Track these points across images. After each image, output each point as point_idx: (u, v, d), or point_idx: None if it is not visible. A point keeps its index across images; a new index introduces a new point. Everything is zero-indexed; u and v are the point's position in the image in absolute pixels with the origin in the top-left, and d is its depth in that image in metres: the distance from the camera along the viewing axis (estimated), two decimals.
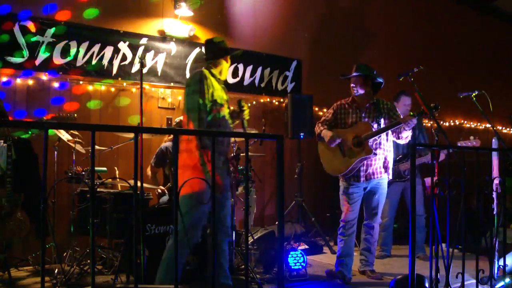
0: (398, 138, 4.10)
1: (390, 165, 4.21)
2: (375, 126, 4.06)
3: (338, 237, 4.22)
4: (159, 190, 4.69)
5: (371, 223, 4.25)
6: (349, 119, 4.18)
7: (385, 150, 4.15)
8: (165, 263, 3.24)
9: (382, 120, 4.12)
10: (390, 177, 4.28)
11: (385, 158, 4.15)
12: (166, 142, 4.83)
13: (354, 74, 4.16)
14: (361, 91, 4.16)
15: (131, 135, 4.42)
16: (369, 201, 4.23)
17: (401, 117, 4.14)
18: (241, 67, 5.98)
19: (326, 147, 4.20)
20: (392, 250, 5.31)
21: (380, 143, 4.10)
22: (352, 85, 4.20)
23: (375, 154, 4.02)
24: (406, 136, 4.04)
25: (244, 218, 2.49)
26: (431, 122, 7.00)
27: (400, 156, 5.18)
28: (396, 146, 5.21)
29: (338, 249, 4.20)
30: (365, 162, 4.07)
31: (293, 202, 5.79)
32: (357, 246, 4.46)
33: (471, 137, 4.58)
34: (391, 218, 5.23)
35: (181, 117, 4.59)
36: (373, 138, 4.03)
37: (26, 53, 4.69)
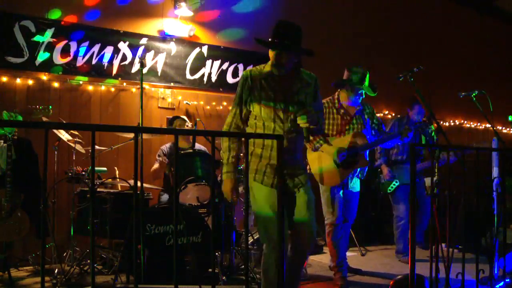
0: (385, 145, 4.09)
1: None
2: (365, 133, 4.01)
3: (332, 242, 4.09)
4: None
5: (350, 222, 4.23)
6: (339, 125, 4.04)
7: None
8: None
9: (369, 127, 4.08)
10: (361, 178, 4.19)
11: None
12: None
13: (354, 85, 3.99)
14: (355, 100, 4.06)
15: (131, 135, 4.42)
16: (348, 204, 4.15)
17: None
18: (241, 67, 5.97)
19: (317, 157, 3.94)
20: (392, 251, 5.31)
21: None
22: (346, 94, 4.06)
23: (370, 163, 3.99)
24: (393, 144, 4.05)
25: (244, 218, 2.48)
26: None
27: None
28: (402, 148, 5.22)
29: (334, 253, 4.07)
30: None
31: None
32: (357, 246, 4.46)
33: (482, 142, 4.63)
34: (407, 221, 5.21)
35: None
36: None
37: (26, 53, 4.70)
